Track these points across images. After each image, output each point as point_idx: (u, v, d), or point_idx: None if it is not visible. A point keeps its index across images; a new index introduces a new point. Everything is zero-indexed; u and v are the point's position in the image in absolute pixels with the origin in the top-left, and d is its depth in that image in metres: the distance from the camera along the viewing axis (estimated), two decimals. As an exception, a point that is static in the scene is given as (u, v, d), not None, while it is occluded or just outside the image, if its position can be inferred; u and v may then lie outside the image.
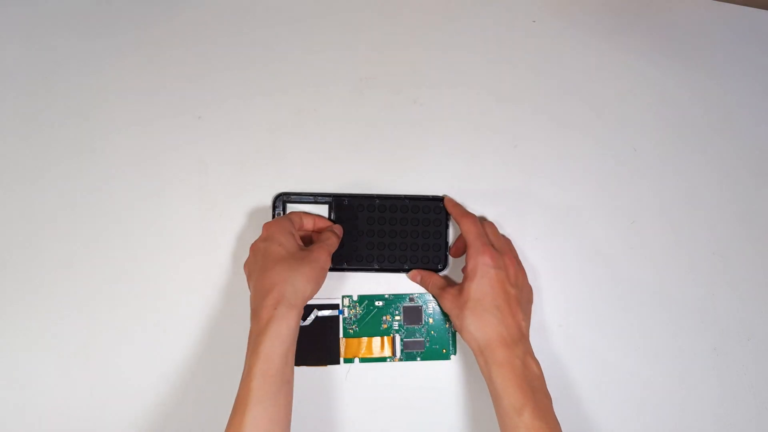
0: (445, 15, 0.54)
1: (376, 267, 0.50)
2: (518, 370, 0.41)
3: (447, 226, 0.51)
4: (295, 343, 0.41)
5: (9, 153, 0.49)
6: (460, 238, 0.49)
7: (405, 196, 0.51)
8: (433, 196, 0.51)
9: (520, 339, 0.42)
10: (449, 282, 0.50)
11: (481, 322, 0.42)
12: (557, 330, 0.51)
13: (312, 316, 0.49)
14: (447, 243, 0.51)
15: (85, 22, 0.51)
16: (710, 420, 0.52)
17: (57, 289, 0.48)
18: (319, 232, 0.49)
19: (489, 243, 0.45)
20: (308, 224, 0.48)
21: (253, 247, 0.44)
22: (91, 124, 0.50)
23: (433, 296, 0.50)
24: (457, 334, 0.50)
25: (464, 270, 0.47)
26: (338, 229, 0.49)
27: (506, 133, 0.53)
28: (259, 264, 0.42)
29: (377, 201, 0.50)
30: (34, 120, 0.50)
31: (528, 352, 0.43)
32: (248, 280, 0.44)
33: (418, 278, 0.50)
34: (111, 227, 0.49)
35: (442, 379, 0.50)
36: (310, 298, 0.42)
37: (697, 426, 0.52)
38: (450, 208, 0.50)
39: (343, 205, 0.50)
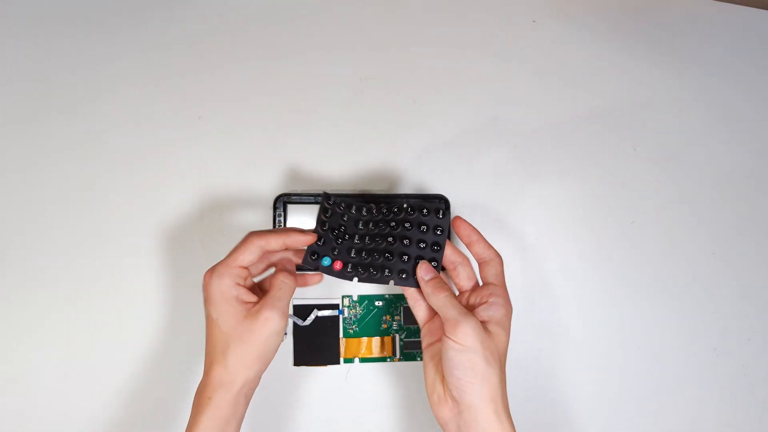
0: (445, 15, 0.54)
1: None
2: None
3: (447, 225, 0.51)
4: (240, 423, 0.39)
5: (8, 153, 0.49)
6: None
7: (405, 195, 0.51)
8: (433, 195, 0.51)
9: None
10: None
11: (502, 376, 0.38)
12: (557, 330, 0.51)
13: (312, 316, 0.49)
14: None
15: (85, 21, 0.51)
16: (710, 420, 0.52)
17: (54, 287, 0.48)
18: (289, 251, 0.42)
19: None
20: (274, 244, 0.39)
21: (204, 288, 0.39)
22: (91, 124, 0.50)
23: (440, 309, 0.39)
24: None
25: (489, 312, 0.39)
26: (289, 271, 0.41)
27: (506, 133, 0.53)
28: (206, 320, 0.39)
29: (378, 200, 0.50)
30: (34, 119, 0.50)
31: None
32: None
33: (429, 278, 0.41)
34: (111, 227, 0.49)
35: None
36: (257, 377, 0.38)
37: (697, 426, 0.52)
38: (467, 233, 0.42)
39: (344, 205, 0.50)
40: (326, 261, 0.42)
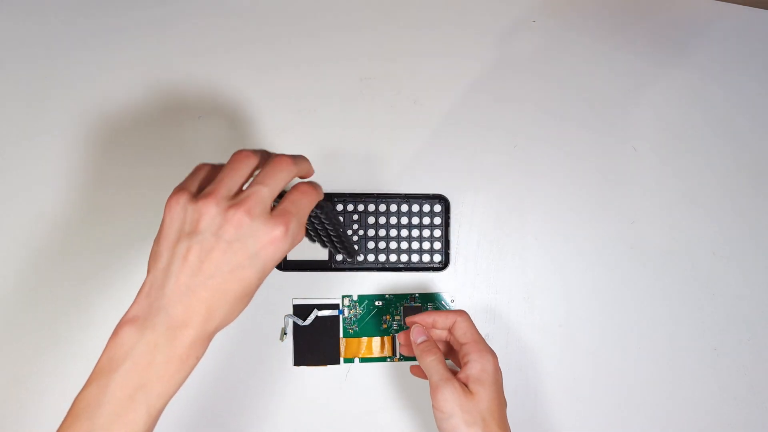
0: (445, 15, 0.54)
1: (377, 266, 0.50)
2: None
3: (447, 224, 0.51)
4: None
5: (8, 154, 0.49)
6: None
7: (405, 195, 0.51)
8: (433, 195, 0.51)
9: None
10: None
11: None
12: (557, 330, 0.51)
13: (312, 316, 0.49)
14: (448, 241, 0.51)
15: (85, 20, 0.51)
16: (711, 420, 0.52)
17: (57, 289, 0.48)
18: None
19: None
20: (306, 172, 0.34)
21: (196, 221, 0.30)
22: (91, 124, 0.50)
23: (429, 373, 0.39)
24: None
25: (467, 372, 0.39)
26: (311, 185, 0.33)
27: (506, 133, 0.53)
28: (186, 260, 0.29)
29: (377, 200, 0.50)
30: (34, 119, 0.50)
31: None
32: (153, 263, 0.30)
33: (414, 334, 0.42)
34: (111, 227, 0.49)
35: (442, 379, 0.50)
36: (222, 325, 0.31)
37: (697, 426, 0.52)
38: (421, 318, 0.43)
39: (343, 205, 0.50)
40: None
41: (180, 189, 0.31)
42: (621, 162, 0.53)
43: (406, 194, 0.51)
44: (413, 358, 0.50)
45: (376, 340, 0.50)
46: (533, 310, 0.51)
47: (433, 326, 0.43)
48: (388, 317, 0.50)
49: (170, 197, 0.31)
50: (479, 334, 0.41)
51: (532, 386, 0.51)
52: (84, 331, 0.48)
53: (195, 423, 0.48)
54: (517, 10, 0.54)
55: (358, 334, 0.50)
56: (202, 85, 0.51)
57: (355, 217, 0.50)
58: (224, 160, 0.33)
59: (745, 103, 0.55)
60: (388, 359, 0.50)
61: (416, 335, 0.41)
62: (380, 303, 0.50)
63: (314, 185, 0.33)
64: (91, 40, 0.51)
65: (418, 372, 0.45)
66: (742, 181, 0.54)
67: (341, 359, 0.50)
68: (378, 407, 0.50)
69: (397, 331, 0.50)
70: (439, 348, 0.41)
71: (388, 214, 0.50)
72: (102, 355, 0.29)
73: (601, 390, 0.51)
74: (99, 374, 0.29)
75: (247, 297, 0.31)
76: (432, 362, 0.39)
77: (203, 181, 0.33)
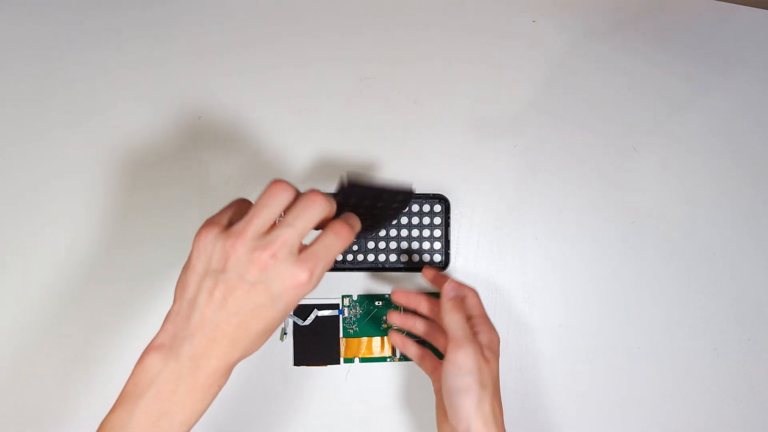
0: (445, 15, 0.54)
1: (377, 266, 0.50)
2: None
3: (448, 224, 0.51)
4: None
5: (8, 156, 0.49)
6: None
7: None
8: (433, 195, 0.51)
9: None
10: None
11: (496, 402, 0.39)
12: (557, 330, 0.51)
13: (312, 316, 0.49)
14: (448, 240, 0.51)
15: (85, 20, 0.51)
16: (711, 420, 0.52)
17: (56, 289, 0.48)
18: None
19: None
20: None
21: (228, 266, 0.30)
22: (91, 124, 0.50)
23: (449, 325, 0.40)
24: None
25: (479, 338, 0.40)
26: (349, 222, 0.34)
27: (506, 133, 0.53)
28: (220, 308, 0.30)
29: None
30: (34, 119, 0.50)
31: None
32: (181, 299, 0.31)
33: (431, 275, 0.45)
34: (110, 227, 0.49)
35: (442, 379, 0.50)
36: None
37: (697, 426, 0.52)
38: (433, 276, 0.45)
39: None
40: None
41: (211, 222, 0.32)
42: (621, 162, 0.53)
43: (406, 194, 0.51)
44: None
45: (376, 340, 0.50)
46: (533, 310, 0.51)
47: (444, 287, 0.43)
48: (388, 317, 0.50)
49: (201, 229, 0.31)
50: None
51: (532, 386, 0.51)
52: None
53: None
54: (517, 10, 0.54)
55: (358, 334, 0.50)
56: (203, 85, 0.51)
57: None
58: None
59: (745, 103, 0.55)
60: (388, 359, 0.50)
61: (450, 290, 0.41)
62: (380, 303, 0.50)
63: (351, 225, 0.33)
64: (92, 40, 0.51)
65: (407, 299, 0.45)
66: (742, 181, 0.54)
67: (341, 359, 0.50)
68: (378, 407, 0.50)
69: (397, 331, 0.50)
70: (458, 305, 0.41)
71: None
72: (129, 380, 0.30)
73: (601, 390, 0.51)
74: (125, 399, 0.30)
75: (268, 333, 0.32)
76: (459, 320, 0.40)
77: (235, 215, 0.33)
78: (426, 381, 0.50)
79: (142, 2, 0.51)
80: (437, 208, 0.51)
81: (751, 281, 0.53)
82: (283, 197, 0.31)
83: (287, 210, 0.32)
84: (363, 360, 0.50)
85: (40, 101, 0.50)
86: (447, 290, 0.42)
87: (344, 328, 0.50)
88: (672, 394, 0.52)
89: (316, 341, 0.49)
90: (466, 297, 0.43)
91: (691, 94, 0.55)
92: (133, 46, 0.51)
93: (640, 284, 0.52)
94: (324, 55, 0.52)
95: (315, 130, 0.51)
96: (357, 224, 0.35)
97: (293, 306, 0.31)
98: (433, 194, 0.51)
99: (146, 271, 0.49)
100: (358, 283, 0.51)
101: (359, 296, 0.50)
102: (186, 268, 0.32)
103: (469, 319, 0.41)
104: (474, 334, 0.40)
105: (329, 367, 0.50)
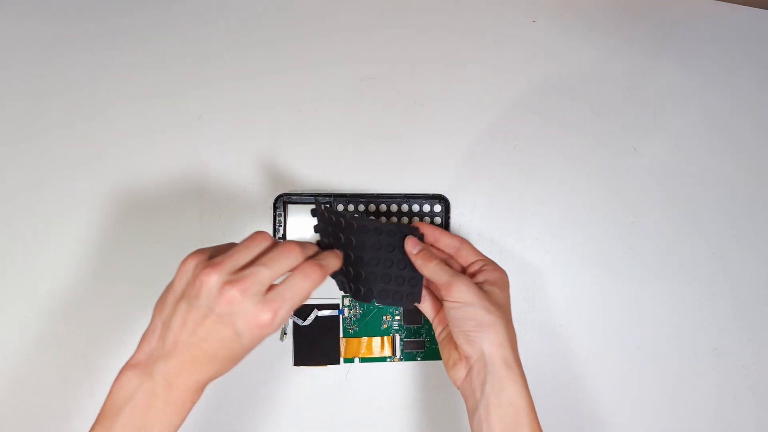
0: (445, 15, 0.54)
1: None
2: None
3: (447, 225, 0.51)
4: None
5: (8, 158, 0.49)
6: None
7: (405, 195, 0.51)
8: (433, 195, 0.51)
9: None
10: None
11: (509, 326, 0.38)
12: (557, 330, 0.51)
13: (312, 316, 0.49)
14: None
15: (85, 20, 0.51)
16: (710, 420, 0.52)
17: (56, 290, 0.48)
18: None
19: None
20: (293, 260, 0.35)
21: (196, 293, 0.32)
22: (90, 124, 0.50)
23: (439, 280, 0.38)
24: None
25: (481, 278, 0.39)
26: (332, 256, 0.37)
27: (506, 133, 0.53)
28: (192, 335, 0.32)
29: (377, 200, 0.50)
30: (34, 120, 0.50)
31: None
32: (158, 320, 0.33)
33: (417, 249, 0.40)
34: (111, 227, 0.49)
35: (441, 378, 0.50)
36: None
37: (697, 426, 0.52)
38: (430, 231, 0.42)
39: (344, 205, 0.50)
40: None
41: (198, 251, 0.34)
42: (621, 162, 0.53)
43: (406, 194, 0.51)
44: (413, 358, 0.50)
45: (376, 340, 0.50)
46: (533, 310, 0.51)
47: (434, 243, 0.42)
48: (388, 317, 0.50)
49: (187, 256, 0.34)
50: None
51: (532, 386, 0.51)
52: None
53: (195, 423, 0.48)
54: (517, 10, 0.54)
55: (358, 334, 0.50)
56: (203, 85, 0.51)
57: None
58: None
59: (745, 103, 0.55)
60: (388, 359, 0.50)
61: (411, 246, 0.40)
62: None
63: (320, 266, 0.35)
64: (92, 40, 0.51)
65: (430, 303, 0.42)
66: (742, 181, 0.54)
67: (341, 359, 0.50)
68: (378, 407, 0.50)
69: (397, 331, 0.50)
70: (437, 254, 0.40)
71: (388, 214, 0.50)
72: (107, 398, 0.32)
73: (601, 390, 0.51)
74: (104, 417, 0.32)
75: (236, 360, 0.33)
76: (437, 266, 0.38)
77: (220, 250, 0.35)
78: (426, 381, 0.50)
79: (142, 3, 0.51)
80: (437, 208, 0.51)
81: (751, 281, 0.53)
82: (264, 244, 0.34)
83: (263, 254, 0.34)
84: (363, 360, 0.50)
85: (39, 101, 0.50)
86: (409, 249, 0.40)
87: (344, 328, 0.50)
88: (672, 394, 0.52)
89: (316, 341, 0.49)
90: (460, 249, 0.41)
91: (691, 94, 0.55)
92: (133, 46, 0.51)
93: (640, 284, 0.52)
94: (324, 56, 0.52)
95: (315, 130, 0.51)
96: (333, 263, 0.36)
97: (257, 343, 0.33)
98: (433, 194, 0.51)
99: (146, 272, 0.49)
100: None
101: (359, 296, 0.50)
102: (168, 287, 0.34)
103: (469, 266, 0.40)
104: (478, 274, 0.39)
105: (329, 367, 0.50)
